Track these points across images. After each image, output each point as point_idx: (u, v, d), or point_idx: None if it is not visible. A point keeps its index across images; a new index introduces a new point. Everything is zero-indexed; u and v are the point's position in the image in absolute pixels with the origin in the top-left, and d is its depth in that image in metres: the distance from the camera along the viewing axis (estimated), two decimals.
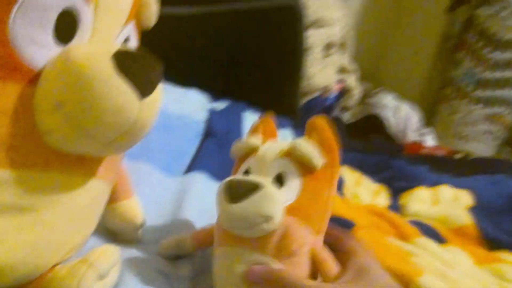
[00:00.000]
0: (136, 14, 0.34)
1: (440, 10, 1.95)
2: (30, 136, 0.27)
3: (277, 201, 0.32)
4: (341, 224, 0.60)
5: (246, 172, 0.36)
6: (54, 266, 0.32)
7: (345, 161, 0.86)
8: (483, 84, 1.78)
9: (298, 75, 1.05)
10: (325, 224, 0.36)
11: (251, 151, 0.37)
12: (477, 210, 0.78)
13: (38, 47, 0.27)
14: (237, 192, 0.32)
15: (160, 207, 0.48)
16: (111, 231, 0.42)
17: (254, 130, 0.43)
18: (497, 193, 0.84)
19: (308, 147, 0.34)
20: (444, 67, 2.01)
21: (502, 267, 0.64)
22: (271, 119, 0.44)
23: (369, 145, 1.02)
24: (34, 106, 0.27)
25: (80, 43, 0.29)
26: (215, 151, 0.63)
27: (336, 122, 1.15)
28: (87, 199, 0.32)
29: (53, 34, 0.28)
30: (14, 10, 0.26)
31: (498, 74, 1.74)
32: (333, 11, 1.25)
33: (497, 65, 1.74)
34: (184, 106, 0.74)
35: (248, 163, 0.37)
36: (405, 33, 2.31)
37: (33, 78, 0.27)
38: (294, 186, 0.34)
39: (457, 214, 0.76)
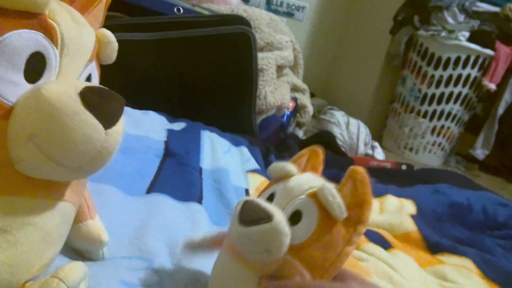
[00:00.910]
0: (98, 52, 0.38)
1: (385, 30, 2.07)
2: (4, 164, 0.30)
3: (282, 238, 0.32)
4: None
5: (271, 196, 0.36)
6: (25, 282, 0.34)
7: None
8: (427, 99, 1.90)
9: (252, 95, 1.10)
10: (329, 275, 0.35)
11: (285, 176, 0.37)
12: (420, 217, 0.85)
13: (10, 86, 0.31)
14: (249, 216, 0.33)
15: (124, 226, 0.51)
16: (77, 250, 0.45)
17: (299, 157, 0.42)
18: (438, 201, 0.92)
19: (333, 197, 0.33)
20: (391, 84, 2.14)
21: (443, 268, 0.71)
22: (319, 152, 0.42)
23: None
24: (7, 138, 0.30)
25: (49, 82, 0.32)
26: (175, 172, 0.67)
27: (292, 139, 1.21)
28: (56, 220, 0.35)
29: (24, 74, 0.31)
30: None
31: (440, 90, 1.87)
32: (283, 35, 1.33)
33: (439, 82, 1.87)
34: (143, 127, 0.78)
35: (277, 187, 0.37)
36: (353, 53, 2.45)
37: (6, 112, 0.31)
38: (308, 228, 0.33)
39: (402, 221, 0.83)
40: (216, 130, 0.92)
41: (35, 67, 0.32)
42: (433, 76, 1.86)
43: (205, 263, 0.50)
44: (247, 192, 0.73)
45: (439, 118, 1.94)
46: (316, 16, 2.49)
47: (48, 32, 0.32)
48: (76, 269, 0.35)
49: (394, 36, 2.05)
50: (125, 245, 0.49)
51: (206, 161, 0.76)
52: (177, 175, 0.66)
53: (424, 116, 1.95)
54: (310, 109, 1.56)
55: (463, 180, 1.09)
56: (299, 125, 1.54)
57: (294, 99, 1.47)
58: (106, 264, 0.44)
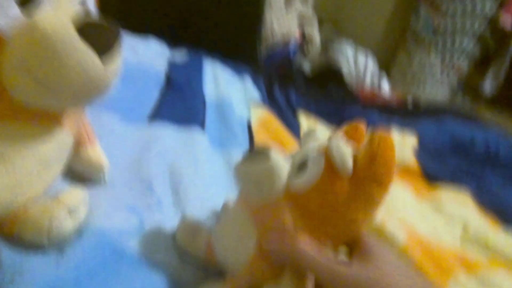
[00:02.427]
0: None
1: None
2: (2, 93, 0.30)
3: (274, 179, 0.32)
4: None
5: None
6: (24, 206, 0.35)
7: (302, 107, 0.91)
8: (439, 32, 1.83)
9: (258, 22, 1.06)
10: (336, 239, 0.33)
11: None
12: (421, 149, 0.85)
13: (3, 13, 0.29)
14: (250, 156, 0.34)
15: (124, 153, 0.52)
16: (78, 175, 0.45)
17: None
18: (440, 134, 0.91)
19: (338, 147, 0.31)
20: (404, 14, 2.05)
21: (439, 197, 0.72)
22: (360, 126, 0.38)
23: (326, 93, 1.07)
24: (2, 66, 0.29)
25: (44, 11, 0.30)
26: (176, 100, 0.66)
27: (297, 71, 1.19)
28: (52, 145, 0.35)
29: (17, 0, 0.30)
30: None
31: (453, 23, 1.79)
32: None
33: (453, 14, 1.78)
34: (142, 55, 0.75)
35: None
36: None
37: (0, 42, 0.29)
38: (310, 178, 0.32)
39: (402, 154, 0.83)
40: (219, 58, 0.89)
41: None
42: (448, 7, 1.77)
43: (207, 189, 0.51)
44: (248, 123, 0.72)
45: (450, 52, 1.88)
46: None
47: None
48: (75, 193, 0.36)
49: None
50: (125, 170, 0.49)
51: (209, 91, 0.75)
52: (179, 102, 0.66)
53: (435, 49, 1.89)
54: (317, 40, 1.51)
55: (469, 115, 1.08)
56: (305, 56, 1.49)
57: (301, 30, 1.41)
58: (107, 189, 0.45)
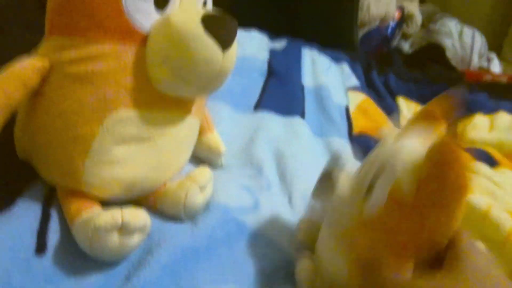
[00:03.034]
0: None
1: None
2: (146, 84, 0.36)
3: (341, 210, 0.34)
4: None
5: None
6: (165, 183, 0.42)
7: (402, 91, 0.89)
8: None
9: (355, 6, 1.05)
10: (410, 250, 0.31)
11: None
12: None
13: (144, 15, 0.36)
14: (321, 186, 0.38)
15: (235, 139, 0.57)
16: (199, 159, 0.52)
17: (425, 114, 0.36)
18: None
19: (404, 172, 0.30)
20: None
21: None
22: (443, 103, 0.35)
23: (427, 75, 1.03)
24: (146, 61, 0.36)
25: (175, 10, 0.36)
26: (277, 90, 0.70)
27: (396, 53, 1.16)
28: (186, 131, 0.42)
29: (154, 3, 0.36)
30: None
31: None
32: None
33: None
34: (247, 47, 0.81)
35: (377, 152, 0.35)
36: None
37: (143, 39, 0.36)
38: (379, 201, 0.31)
39: None
40: (317, 46, 0.92)
41: None
42: None
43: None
44: (347, 109, 0.74)
45: None
46: None
47: None
48: (204, 172, 0.42)
49: None
50: (238, 155, 0.55)
51: (307, 79, 0.78)
52: (280, 92, 0.70)
53: None
54: (418, 18, 1.44)
55: None
56: (405, 36, 1.44)
57: (400, 8, 1.36)
58: (225, 171, 0.51)
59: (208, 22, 0.34)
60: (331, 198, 0.35)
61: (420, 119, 0.35)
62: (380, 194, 0.31)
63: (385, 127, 0.37)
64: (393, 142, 0.33)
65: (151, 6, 0.36)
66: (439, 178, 0.28)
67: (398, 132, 0.35)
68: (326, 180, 0.36)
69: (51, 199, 0.40)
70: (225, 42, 0.35)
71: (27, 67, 0.35)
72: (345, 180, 0.35)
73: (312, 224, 0.43)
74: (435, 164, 0.28)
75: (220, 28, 0.35)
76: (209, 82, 0.36)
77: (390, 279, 0.29)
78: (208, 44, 0.34)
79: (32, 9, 0.56)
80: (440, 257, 0.30)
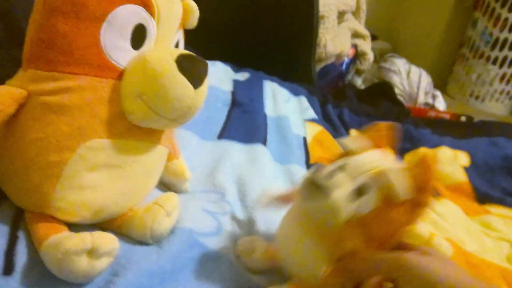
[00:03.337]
0: (183, 20, 0.44)
1: None
2: (119, 116, 0.39)
3: (337, 214, 0.35)
4: None
5: (342, 167, 0.38)
6: (131, 208, 0.44)
7: (355, 124, 0.96)
8: (499, 44, 1.80)
9: (312, 43, 1.13)
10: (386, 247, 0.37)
11: (358, 152, 0.39)
12: (472, 169, 0.87)
13: (121, 52, 0.39)
14: (311, 191, 0.37)
15: (200, 166, 0.60)
16: (165, 184, 0.55)
17: (365, 132, 0.42)
18: (492, 154, 0.92)
19: (397, 180, 0.35)
20: (460, 26, 2.02)
21: (489, 218, 0.75)
22: (384, 128, 0.41)
23: (378, 109, 1.11)
24: (121, 95, 0.39)
25: (150, 49, 0.40)
26: (241, 119, 0.74)
27: (350, 88, 1.24)
28: (155, 159, 0.45)
29: (130, 42, 0.39)
30: (103, 27, 0.37)
31: None
32: None
33: None
34: (212, 77, 0.85)
35: (348, 161, 0.38)
36: None
37: (120, 74, 0.39)
38: (369, 204, 0.35)
39: (454, 172, 0.86)
40: (277, 79, 0.97)
41: (139, 36, 0.39)
42: (506, 19, 1.75)
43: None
44: (305, 140, 0.79)
45: (509, 65, 1.84)
46: None
47: (148, 6, 0.39)
48: (172, 197, 0.44)
49: None
50: (202, 181, 0.58)
51: (269, 109, 0.83)
52: (243, 121, 0.74)
53: (494, 62, 1.86)
54: (371, 56, 1.54)
55: None
56: (358, 72, 1.54)
57: (354, 46, 1.46)
58: (189, 196, 0.54)
59: (181, 62, 0.38)
60: (313, 200, 0.37)
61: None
62: (371, 197, 0.35)
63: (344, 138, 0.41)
64: (371, 154, 0.38)
65: (128, 44, 0.39)
66: (422, 188, 0.35)
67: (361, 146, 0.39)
68: (309, 185, 0.38)
69: (19, 220, 0.41)
70: (197, 81, 0.39)
71: (5, 95, 0.36)
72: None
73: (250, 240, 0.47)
74: (420, 176, 0.35)
75: (192, 67, 0.38)
76: (180, 116, 0.40)
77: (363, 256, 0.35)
78: (181, 82, 0.37)
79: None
80: None
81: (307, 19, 1.05)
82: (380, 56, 2.07)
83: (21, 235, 0.40)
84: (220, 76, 0.89)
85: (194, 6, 0.45)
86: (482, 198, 0.80)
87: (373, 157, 0.38)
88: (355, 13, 1.49)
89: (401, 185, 0.35)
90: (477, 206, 0.79)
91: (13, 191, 0.40)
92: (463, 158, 0.90)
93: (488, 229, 0.73)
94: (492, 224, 0.73)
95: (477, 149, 0.92)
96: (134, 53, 0.39)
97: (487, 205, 0.79)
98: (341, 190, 0.35)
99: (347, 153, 0.40)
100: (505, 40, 1.80)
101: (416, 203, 0.36)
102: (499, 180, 0.86)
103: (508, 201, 0.77)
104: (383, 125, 0.41)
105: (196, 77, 0.39)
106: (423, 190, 0.35)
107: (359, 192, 0.35)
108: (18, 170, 0.39)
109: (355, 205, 0.35)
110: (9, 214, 0.41)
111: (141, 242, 0.43)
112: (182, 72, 0.37)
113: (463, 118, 1.15)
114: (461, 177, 0.84)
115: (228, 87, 0.86)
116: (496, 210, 0.77)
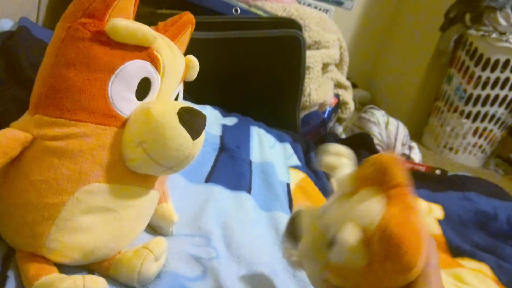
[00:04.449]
0: (184, 74, 0.48)
1: (435, 26, 2.07)
2: (119, 162, 0.41)
3: (306, 259, 0.38)
4: None
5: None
6: (121, 251, 0.45)
7: None
8: (472, 100, 1.91)
9: (298, 93, 1.18)
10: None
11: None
12: (446, 222, 0.91)
13: (126, 102, 0.41)
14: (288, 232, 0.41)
15: (186, 209, 0.62)
16: (151, 226, 0.56)
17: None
18: (465, 208, 0.96)
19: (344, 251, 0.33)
20: (436, 81, 2.14)
21: (461, 271, 0.77)
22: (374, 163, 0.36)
23: (358, 159, 1.15)
24: (122, 142, 0.41)
25: (154, 101, 0.42)
26: (227, 165, 0.77)
27: (331, 136, 1.29)
28: (147, 204, 0.46)
29: (135, 93, 0.41)
30: (112, 79, 0.40)
31: (486, 92, 1.87)
32: (330, 34, 1.39)
33: (485, 83, 1.87)
34: None
35: (334, 207, 0.38)
36: (400, 47, 2.44)
37: (123, 123, 0.41)
38: (340, 258, 0.34)
39: (428, 224, 0.89)
40: (263, 125, 1.01)
41: (143, 88, 0.42)
42: (480, 77, 1.86)
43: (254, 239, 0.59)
44: (288, 186, 0.82)
45: (482, 120, 1.95)
46: (365, 5, 2.50)
47: (154, 62, 0.42)
48: (161, 243, 0.46)
49: (444, 33, 2.04)
50: (188, 224, 0.59)
51: (255, 155, 0.86)
52: (229, 167, 0.76)
53: (468, 116, 1.96)
54: (352, 106, 1.61)
55: (495, 190, 1.13)
56: (339, 120, 1.60)
57: (337, 96, 1.52)
58: (174, 239, 0.55)
59: (182, 115, 0.40)
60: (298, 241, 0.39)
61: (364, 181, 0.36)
62: (338, 255, 0.33)
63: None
64: (352, 202, 0.35)
65: (132, 95, 0.41)
66: (388, 258, 0.30)
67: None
68: (293, 225, 0.40)
69: (9, 260, 0.41)
70: (195, 133, 0.41)
71: (11, 138, 0.38)
72: (308, 224, 0.39)
73: None
74: (384, 247, 0.30)
75: (192, 121, 0.41)
76: (177, 164, 0.42)
77: None
78: (181, 134, 0.40)
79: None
80: None
81: (294, 70, 1.11)
82: (359, 104, 2.15)
83: (11, 274, 0.40)
84: (210, 120, 0.91)
85: (195, 62, 0.48)
86: (455, 251, 0.83)
87: (343, 209, 0.36)
88: (338, 64, 1.58)
89: (347, 259, 0.32)
90: (450, 258, 0.82)
91: (6, 229, 0.41)
92: (438, 211, 0.94)
93: (460, 282, 0.75)
94: (464, 277, 0.75)
95: (451, 203, 0.97)
96: (137, 103, 0.42)
97: (459, 258, 0.82)
98: (306, 238, 0.37)
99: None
100: (478, 97, 1.90)
101: (389, 188, 0.33)
102: (471, 234, 0.89)
103: (479, 255, 0.80)
104: (383, 160, 0.35)
105: (195, 129, 0.41)
106: (385, 175, 0.33)
107: (330, 243, 0.35)
108: (14, 209, 0.40)
109: (330, 254, 0.34)
110: (0, 252, 0.42)
111: (127, 286, 0.44)
112: (182, 124, 0.40)
113: (437, 172, 1.21)
114: (435, 229, 0.88)
115: (217, 131, 0.89)
116: (468, 263, 0.80)
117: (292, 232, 0.41)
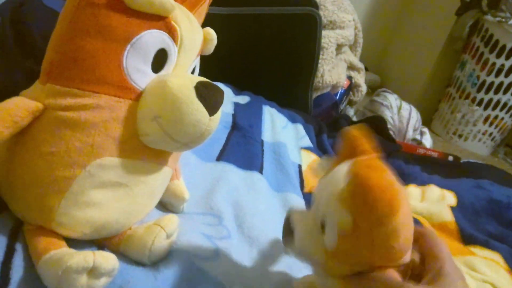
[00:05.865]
0: (202, 48, 0.46)
1: (450, 11, 2.01)
2: (133, 136, 0.39)
3: (301, 253, 0.38)
4: None
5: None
6: (132, 227, 0.44)
7: None
8: (485, 87, 1.87)
9: (312, 73, 1.15)
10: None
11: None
12: (459, 209, 0.89)
13: (141, 75, 0.39)
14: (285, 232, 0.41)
15: (198, 187, 0.60)
16: (162, 203, 0.54)
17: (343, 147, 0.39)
18: (478, 196, 0.95)
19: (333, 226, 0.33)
20: (448, 67, 2.10)
21: (473, 259, 0.76)
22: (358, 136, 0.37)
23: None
24: (137, 116, 0.39)
25: (171, 74, 0.40)
26: (239, 144, 0.75)
27: (343, 118, 1.26)
28: (160, 180, 0.45)
29: (151, 65, 0.39)
30: (128, 49, 0.38)
31: (500, 79, 1.83)
32: (346, 14, 1.35)
33: (499, 71, 1.82)
34: None
35: (317, 189, 0.38)
36: (413, 31, 2.38)
37: (137, 96, 0.39)
38: (333, 238, 0.34)
39: (441, 211, 0.88)
40: (276, 105, 0.99)
41: (160, 60, 0.40)
42: (494, 64, 1.82)
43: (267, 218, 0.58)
44: (300, 168, 0.80)
45: (494, 108, 1.91)
46: None
47: (172, 33, 0.40)
48: (173, 220, 0.45)
49: (459, 18, 1.98)
50: (199, 203, 0.58)
51: (267, 135, 0.84)
52: (241, 146, 0.75)
53: (479, 104, 1.92)
54: (364, 89, 1.59)
55: (508, 178, 1.11)
56: (350, 103, 1.57)
57: (349, 78, 1.50)
58: (185, 217, 0.54)
59: (200, 89, 0.38)
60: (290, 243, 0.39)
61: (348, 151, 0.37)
62: (330, 233, 0.34)
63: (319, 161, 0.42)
64: (327, 177, 0.36)
65: (148, 67, 0.39)
66: (364, 203, 0.30)
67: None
68: (288, 226, 0.40)
69: (17, 232, 0.40)
70: (213, 108, 0.39)
71: (21, 107, 0.36)
72: (299, 220, 0.39)
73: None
74: (356, 190, 0.31)
75: (210, 95, 0.39)
76: (192, 141, 0.40)
77: (383, 278, 0.32)
78: (198, 109, 0.38)
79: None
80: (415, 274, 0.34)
81: (309, 50, 1.08)
82: (368, 87, 2.12)
83: (18, 247, 0.39)
84: None
85: (214, 35, 0.46)
86: (467, 239, 0.82)
87: (323, 185, 0.36)
88: (352, 46, 1.54)
89: (343, 214, 0.32)
90: (462, 246, 0.81)
91: (15, 202, 0.40)
92: (451, 198, 0.92)
93: (472, 270, 0.74)
94: (476, 266, 0.74)
95: (464, 190, 0.95)
96: (153, 76, 0.40)
97: (472, 246, 0.81)
98: (299, 228, 0.37)
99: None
100: (491, 84, 1.86)
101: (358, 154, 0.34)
102: (484, 222, 0.88)
103: (491, 244, 0.79)
104: (352, 133, 0.37)
105: (212, 104, 0.39)
106: (354, 146, 0.35)
107: (322, 228, 0.35)
108: (23, 181, 0.38)
109: (324, 238, 0.35)
110: (8, 225, 0.41)
111: (137, 263, 0.43)
112: (200, 99, 0.38)
113: (450, 158, 1.19)
114: (448, 216, 0.86)
115: (229, 109, 0.87)
116: (480, 252, 0.79)
117: (289, 233, 0.40)
